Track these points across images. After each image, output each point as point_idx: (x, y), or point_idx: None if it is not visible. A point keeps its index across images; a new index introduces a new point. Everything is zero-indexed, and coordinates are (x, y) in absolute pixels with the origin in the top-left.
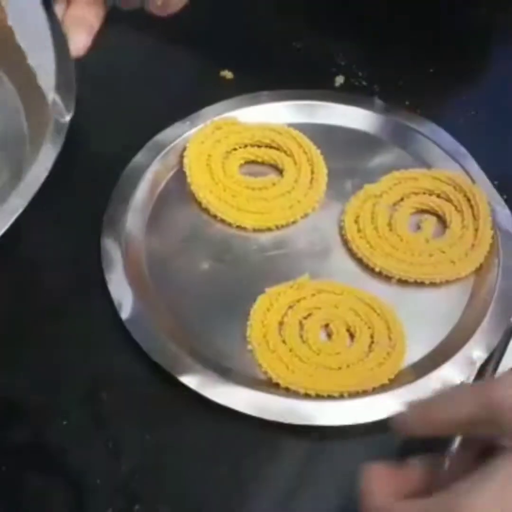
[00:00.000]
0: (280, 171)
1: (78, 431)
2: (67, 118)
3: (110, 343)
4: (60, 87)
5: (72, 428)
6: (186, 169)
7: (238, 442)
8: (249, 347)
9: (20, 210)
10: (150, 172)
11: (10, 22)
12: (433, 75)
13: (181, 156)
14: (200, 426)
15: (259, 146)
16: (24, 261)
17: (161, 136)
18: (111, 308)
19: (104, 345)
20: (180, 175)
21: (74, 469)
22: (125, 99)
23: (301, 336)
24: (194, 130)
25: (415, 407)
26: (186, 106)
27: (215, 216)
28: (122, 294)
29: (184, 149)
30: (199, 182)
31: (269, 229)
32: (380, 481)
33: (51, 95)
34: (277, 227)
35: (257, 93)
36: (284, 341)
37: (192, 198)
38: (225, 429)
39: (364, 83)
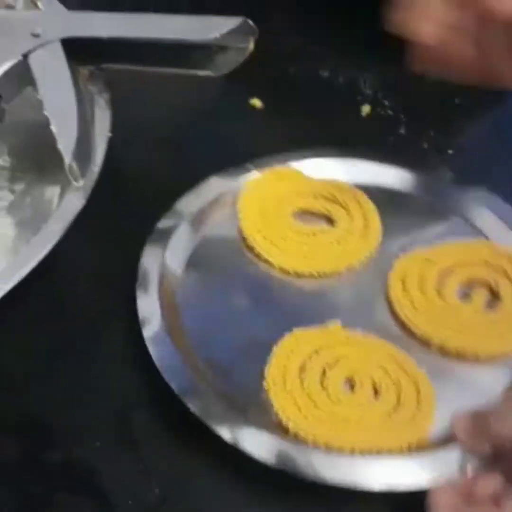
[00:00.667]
0: (331, 222)
1: (110, 452)
2: (81, 182)
3: (140, 364)
4: (78, 154)
5: (104, 449)
6: (239, 205)
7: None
8: (265, 385)
9: (57, 238)
10: (201, 203)
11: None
12: (458, 106)
13: (236, 196)
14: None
15: (315, 198)
16: (61, 280)
17: (217, 177)
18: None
19: (136, 365)
20: (232, 212)
21: (106, 490)
22: (180, 134)
23: (322, 383)
24: (254, 174)
25: (470, 421)
26: (246, 152)
27: (259, 256)
28: (151, 313)
29: (240, 191)
30: (249, 219)
31: (311, 276)
32: (444, 494)
33: (68, 160)
34: (320, 275)
35: (321, 148)
36: (302, 384)
37: (239, 235)
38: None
39: (390, 112)
